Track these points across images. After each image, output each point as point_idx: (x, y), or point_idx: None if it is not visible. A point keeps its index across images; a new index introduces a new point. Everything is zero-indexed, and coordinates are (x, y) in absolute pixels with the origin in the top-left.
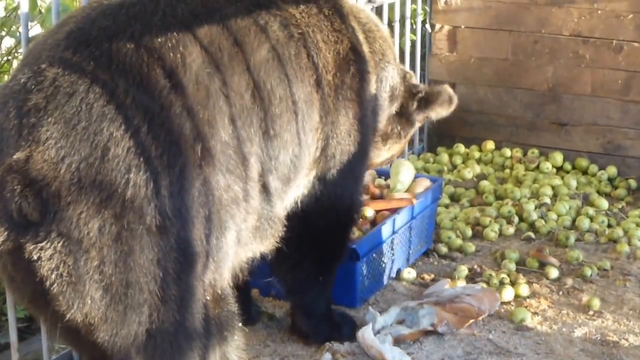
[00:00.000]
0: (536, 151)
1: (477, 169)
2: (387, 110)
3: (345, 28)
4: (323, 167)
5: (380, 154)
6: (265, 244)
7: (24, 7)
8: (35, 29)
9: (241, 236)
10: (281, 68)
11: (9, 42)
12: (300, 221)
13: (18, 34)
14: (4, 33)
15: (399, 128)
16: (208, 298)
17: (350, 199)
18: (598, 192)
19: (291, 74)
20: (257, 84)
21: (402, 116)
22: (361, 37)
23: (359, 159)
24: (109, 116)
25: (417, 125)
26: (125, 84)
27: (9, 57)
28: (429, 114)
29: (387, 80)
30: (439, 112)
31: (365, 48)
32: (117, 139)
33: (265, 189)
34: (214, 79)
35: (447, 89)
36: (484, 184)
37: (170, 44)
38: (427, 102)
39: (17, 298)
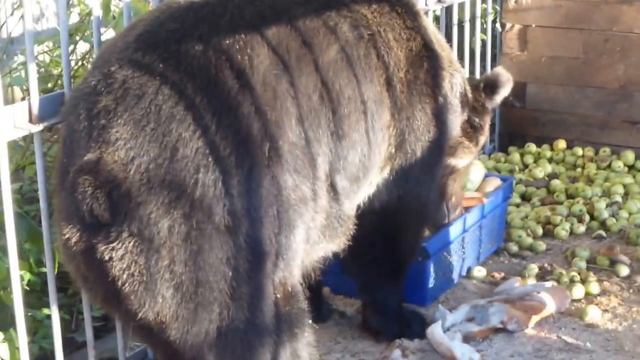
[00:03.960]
0: (608, 150)
1: (549, 168)
2: (460, 116)
3: (418, 26)
4: (401, 163)
5: (472, 150)
6: (335, 243)
7: (96, 12)
8: (110, 34)
9: (310, 235)
10: (350, 68)
11: (84, 47)
12: (375, 219)
13: (92, 38)
14: (77, 38)
15: (477, 120)
16: (278, 295)
17: (426, 197)
18: None
19: (360, 74)
20: (326, 85)
21: (476, 110)
22: (433, 37)
23: (437, 155)
24: (178, 117)
25: (491, 113)
26: (194, 86)
27: (83, 62)
28: (497, 98)
29: (456, 87)
30: (503, 93)
31: (438, 47)
32: (186, 140)
33: (332, 188)
34: (282, 80)
35: (500, 69)
36: (555, 182)
37: (238, 46)
38: (491, 88)
39: (91, 297)
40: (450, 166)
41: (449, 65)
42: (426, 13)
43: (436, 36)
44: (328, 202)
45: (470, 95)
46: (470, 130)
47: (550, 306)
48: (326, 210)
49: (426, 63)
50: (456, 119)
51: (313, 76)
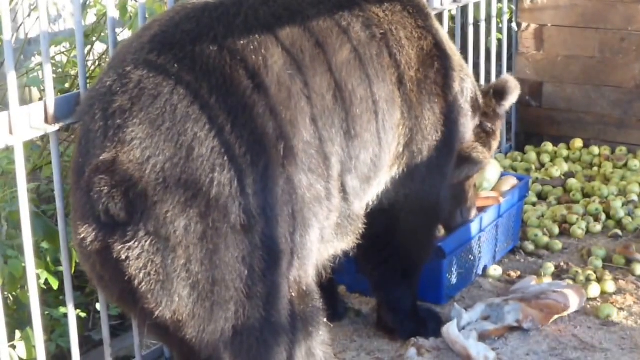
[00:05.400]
0: (624, 149)
1: (565, 167)
2: (472, 120)
3: (430, 26)
4: (408, 162)
5: (485, 155)
6: (346, 241)
7: (111, 13)
8: (126, 34)
9: (324, 234)
10: (362, 68)
11: (101, 47)
12: (387, 218)
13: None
14: (94, 39)
15: (489, 125)
16: (293, 294)
17: (436, 197)
18: None
19: (372, 74)
20: (339, 85)
21: (488, 116)
22: (444, 39)
23: (446, 155)
24: (193, 117)
25: (503, 118)
26: (209, 86)
27: (100, 63)
28: (506, 104)
29: (467, 92)
30: (512, 100)
31: (449, 49)
32: (202, 139)
33: (342, 188)
34: (296, 80)
35: (507, 76)
36: (572, 182)
37: (252, 46)
38: (500, 94)
39: (107, 296)
40: (465, 171)
41: (460, 69)
42: (442, 13)
43: (447, 39)
44: (339, 201)
45: (481, 100)
46: (483, 135)
47: (566, 305)
48: (339, 209)
49: (437, 63)
50: (467, 123)
51: (327, 76)
